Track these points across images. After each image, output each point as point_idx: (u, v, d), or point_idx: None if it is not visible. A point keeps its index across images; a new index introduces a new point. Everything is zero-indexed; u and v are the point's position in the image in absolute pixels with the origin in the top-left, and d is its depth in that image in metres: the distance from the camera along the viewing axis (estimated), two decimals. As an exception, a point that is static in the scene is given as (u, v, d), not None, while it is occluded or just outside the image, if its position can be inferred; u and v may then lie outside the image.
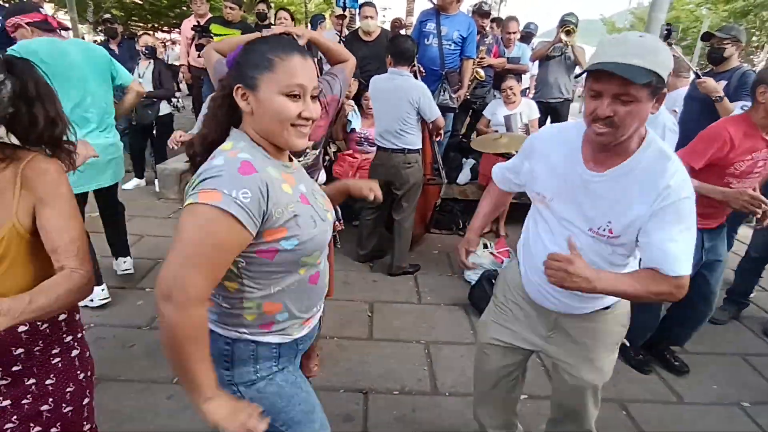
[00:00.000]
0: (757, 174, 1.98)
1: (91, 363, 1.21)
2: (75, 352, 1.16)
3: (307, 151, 1.83)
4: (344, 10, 4.25)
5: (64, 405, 1.13)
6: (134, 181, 4.67)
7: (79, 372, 1.17)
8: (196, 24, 4.74)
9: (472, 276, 3.03)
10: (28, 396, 1.06)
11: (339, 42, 3.95)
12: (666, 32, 3.03)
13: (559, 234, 1.23)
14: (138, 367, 2.11)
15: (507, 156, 3.49)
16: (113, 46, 4.97)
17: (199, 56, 4.53)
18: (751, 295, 3.01)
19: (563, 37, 4.21)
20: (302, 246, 0.93)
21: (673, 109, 3.31)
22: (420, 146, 3.05)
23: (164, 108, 4.64)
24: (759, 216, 1.77)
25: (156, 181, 4.47)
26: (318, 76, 1.80)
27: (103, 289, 2.53)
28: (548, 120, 4.65)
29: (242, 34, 3.87)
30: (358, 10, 4.28)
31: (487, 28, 4.38)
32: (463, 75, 3.92)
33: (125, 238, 2.83)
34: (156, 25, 15.13)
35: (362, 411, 2.00)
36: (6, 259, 0.97)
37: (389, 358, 2.35)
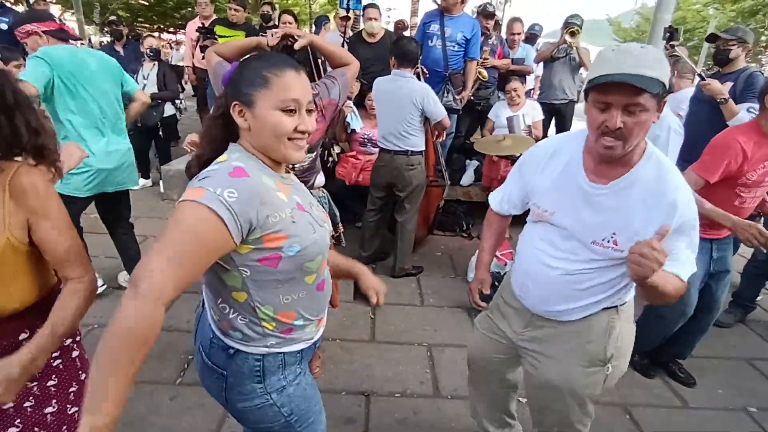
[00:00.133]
0: (767, 183, 1.94)
1: None
2: (75, 353, 1.17)
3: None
4: (348, 12, 4.25)
5: (69, 406, 1.14)
6: (141, 181, 4.71)
7: (81, 372, 1.17)
8: (201, 26, 4.76)
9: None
10: (30, 398, 1.07)
11: (342, 43, 3.97)
12: (668, 34, 3.01)
13: (557, 247, 1.23)
14: (141, 368, 2.12)
15: (510, 158, 3.48)
16: (118, 48, 5.01)
17: (203, 58, 4.55)
18: (758, 299, 2.98)
19: (567, 38, 4.18)
20: (304, 251, 0.94)
21: (677, 112, 3.28)
22: (423, 148, 3.04)
23: (168, 109, 4.68)
24: (764, 250, 1.76)
25: (161, 182, 4.50)
26: (317, 79, 1.82)
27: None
28: (552, 121, 4.64)
29: (246, 36, 3.90)
30: (361, 11, 4.29)
31: (491, 29, 4.37)
32: (467, 77, 3.90)
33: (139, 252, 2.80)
34: (162, 26, 15.22)
35: (364, 413, 2.00)
36: (7, 271, 0.98)
37: (391, 361, 2.34)
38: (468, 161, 4.25)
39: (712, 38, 2.96)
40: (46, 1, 5.34)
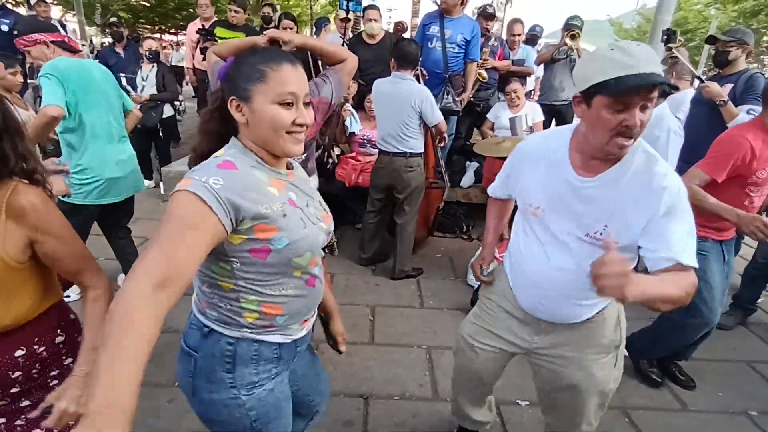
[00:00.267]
0: None
1: None
2: None
3: None
4: (348, 14, 4.25)
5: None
6: (146, 183, 4.72)
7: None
8: (201, 27, 4.78)
9: (475, 280, 3.01)
10: (21, 418, 1.06)
11: (342, 45, 3.97)
12: (666, 36, 3.00)
13: (553, 245, 1.23)
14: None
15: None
16: (119, 49, 5.02)
17: (203, 59, 4.57)
18: (758, 301, 2.97)
19: (568, 41, 4.18)
20: (293, 245, 0.95)
21: (677, 114, 3.27)
22: (422, 150, 3.04)
23: (168, 110, 4.69)
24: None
25: (161, 184, 4.50)
26: (309, 79, 1.82)
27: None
28: (553, 123, 4.63)
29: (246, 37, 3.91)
30: (361, 13, 4.29)
31: (492, 30, 4.37)
32: (467, 78, 3.90)
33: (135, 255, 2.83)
34: (163, 27, 15.25)
35: (362, 416, 2.00)
36: (2, 291, 0.97)
37: (391, 363, 2.34)
38: (468, 163, 4.25)
39: (711, 40, 2.95)
40: (47, 2, 5.34)
